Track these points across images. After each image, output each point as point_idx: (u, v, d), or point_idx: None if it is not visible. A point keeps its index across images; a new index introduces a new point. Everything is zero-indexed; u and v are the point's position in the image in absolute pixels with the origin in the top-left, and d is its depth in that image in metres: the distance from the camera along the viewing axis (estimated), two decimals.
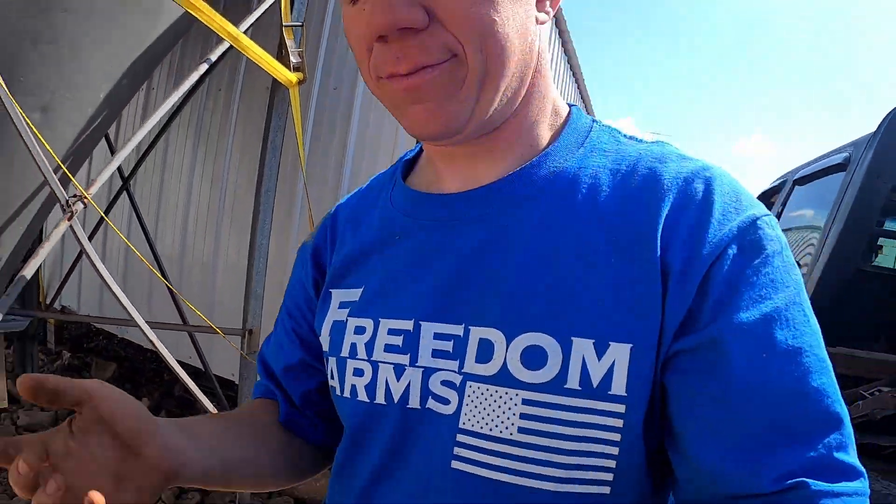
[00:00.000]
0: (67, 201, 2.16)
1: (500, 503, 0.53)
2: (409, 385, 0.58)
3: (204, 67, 2.43)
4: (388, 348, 0.60)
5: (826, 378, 0.49)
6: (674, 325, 0.50)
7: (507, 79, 0.54)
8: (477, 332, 0.55)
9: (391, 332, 0.61)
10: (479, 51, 0.51)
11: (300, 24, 2.67)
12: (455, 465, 0.55)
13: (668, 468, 0.56)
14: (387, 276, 0.64)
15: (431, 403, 0.57)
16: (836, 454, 0.47)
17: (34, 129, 2.04)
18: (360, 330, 0.63)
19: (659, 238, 0.52)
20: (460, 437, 0.55)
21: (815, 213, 2.76)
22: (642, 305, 0.51)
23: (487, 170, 0.60)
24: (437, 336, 0.58)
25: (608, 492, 0.52)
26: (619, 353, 0.50)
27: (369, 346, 0.62)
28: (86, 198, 2.15)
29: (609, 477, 0.52)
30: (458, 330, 0.56)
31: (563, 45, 5.82)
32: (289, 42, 2.60)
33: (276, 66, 2.52)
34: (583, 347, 0.51)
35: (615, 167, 0.58)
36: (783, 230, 2.48)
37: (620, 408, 0.51)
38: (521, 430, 0.52)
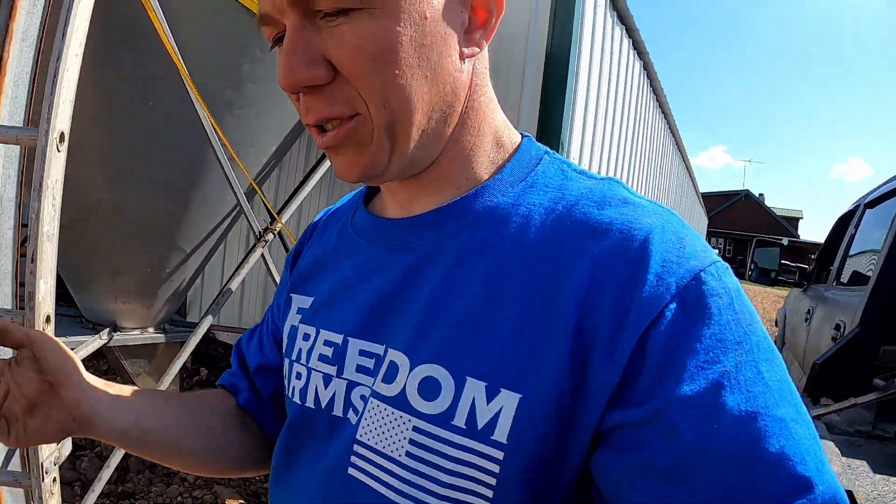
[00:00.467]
0: (261, 231, 2.47)
1: None
2: (334, 394, 0.61)
3: None
4: (321, 358, 0.63)
5: (786, 440, 0.43)
6: (605, 393, 0.47)
7: (419, 125, 0.54)
8: (391, 354, 0.56)
9: (325, 343, 0.63)
10: (382, 106, 0.51)
11: None
12: (351, 471, 0.57)
13: None
14: (332, 290, 0.66)
15: (350, 414, 0.59)
16: None
17: (246, 172, 2.48)
18: (306, 337, 0.66)
19: (577, 291, 0.49)
20: (356, 448, 0.56)
21: (880, 234, 2.90)
22: (542, 357, 0.48)
23: (425, 201, 0.60)
24: (362, 353, 0.59)
25: None
26: (508, 401, 0.49)
27: (308, 353, 0.65)
28: (279, 227, 2.53)
29: None
30: (379, 349, 0.58)
31: (650, 83, 5.96)
32: None
33: None
34: (475, 388, 0.50)
35: (552, 206, 0.55)
36: (854, 255, 2.77)
37: (499, 454, 0.49)
38: (408, 455, 0.52)
